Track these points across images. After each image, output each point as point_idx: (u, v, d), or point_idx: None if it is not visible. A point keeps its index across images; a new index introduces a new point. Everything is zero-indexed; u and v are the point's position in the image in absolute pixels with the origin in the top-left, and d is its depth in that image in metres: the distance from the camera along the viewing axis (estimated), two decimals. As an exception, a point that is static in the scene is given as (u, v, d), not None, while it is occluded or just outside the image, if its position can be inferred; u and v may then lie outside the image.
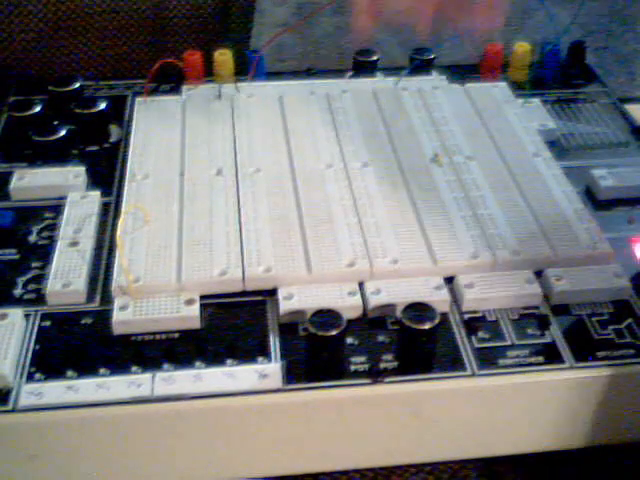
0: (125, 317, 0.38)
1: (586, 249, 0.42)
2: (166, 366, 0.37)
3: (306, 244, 0.42)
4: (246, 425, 0.36)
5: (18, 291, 0.41)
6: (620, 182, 0.48)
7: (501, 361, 0.37)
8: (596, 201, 0.47)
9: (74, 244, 0.43)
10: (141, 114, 0.52)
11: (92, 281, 0.41)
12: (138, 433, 0.36)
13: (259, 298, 0.40)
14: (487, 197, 0.45)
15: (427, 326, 0.36)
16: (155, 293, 0.39)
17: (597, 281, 0.41)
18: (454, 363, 0.37)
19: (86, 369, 0.37)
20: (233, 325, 0.39)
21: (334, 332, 0.36)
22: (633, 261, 0.43)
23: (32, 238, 0.44)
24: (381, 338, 0.38)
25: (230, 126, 0.51)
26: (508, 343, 0.38)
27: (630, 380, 0.38)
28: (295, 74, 0.59)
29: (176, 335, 0.38)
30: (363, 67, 0.58)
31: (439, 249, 0.42)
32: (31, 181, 0.47)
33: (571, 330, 0.39)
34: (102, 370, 0.37)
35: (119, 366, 0.37)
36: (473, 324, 0.39)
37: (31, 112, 0.51)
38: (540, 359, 0.38)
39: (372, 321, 0.39)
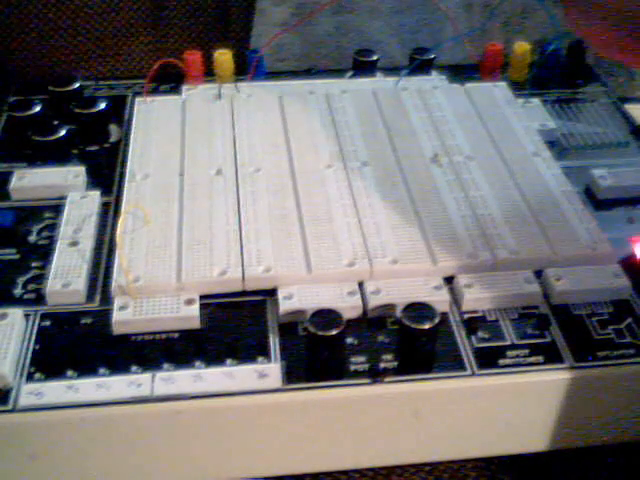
0: (125, 317, 0.38)
1: (586, 249, 0.42)
2: (166, 366, 0.37)
3: (306, 244, 0.42)
4: (246, 425, 0.36)
5: (18, 291, 0.41)
6: (620, 182, 0.48)
7: (501, 361, 0.37)
8: (596, 201, 0.47)
9: (74, 244, 0.43)
10: (141, 114, 0.52)
11: (92, 281, 0.41)
12: (138, 433, 0.36)
13: (259, 298, 0.40)
14: (487, 197, 0.45)
15: (427, 326, 0.36)
16: (155, 293, 0.39)
17: (597, 281, 0.41)
18: (454, 363, 0.37)
19: (86, 369, 0.37)
20: (233, 325, 0.39)
21: (334, 332, 0.36)
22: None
23: (32, 238, 0.44)
24: (381, 338, 0.38)
25: (230, 126, 0.51)
26: (508, 343, 0.38)
27: (630, 380, 0.38)
28: (295, 74, 0.59)
29: (176, 335, 0.38)
30: (363, 67, 0.58)
31: (439, 249, 0.42)
32: (31, 181, 0.47)
33: (571, 330, 0.39)
34: (102, 370, 0.37)
35: (119, 366, 0.37)
36: (473, 324, 0.39)
37: (31, 112, 0.51)
38: (540, 359, 0.38)
39: (372, 321, 0.39)
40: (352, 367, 0.37)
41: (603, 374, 0.37)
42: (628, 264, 0.42)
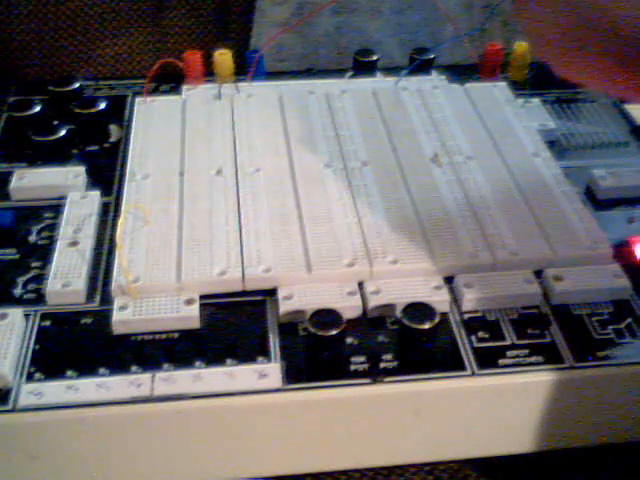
0: (125, 317, 0.38)
1: (586, 249, 0.42)
2: (166, 366, 0.37)
3: (306, 244, 0.42)
4: (246, 425, 0.36)
5: (18, 291, 0.41)
6: (620, 182, 0.48)
7: (501, 361, 0.37)
8: (596, 201, 0.47)
9: (74, 244, 0.43)
10: (141, 114, 0.52)
11: (92, 281, 0.41)
12: (138, 433, 0.36)
13: (259, 298, 0.40)
14: (487, 197, 0.45)
15: (427, 326, 0.36)
16: (155, 293, 0.39)
17: (597, 281, 0.41)
18: (454, 363, 0.37)
19: (86, 369, 0.37)
20: (233, 325, 0.39)
21: (334, 332, 0.36)
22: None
23: (32, 238, 0.44)
24: (381, 338, 0.38)
25: (230, 126, 0.51)
26: (508, 343, 0.38)
27: (630, 380, 0.38)
28: (295, 74, 0.59)
29: (176, 335, 0.38)
30: (363, 67, 0.58)
31: (439, 249, 0.42)
32: (31, 181, 0.47)
33: (571, 330, 0.39)
34: (102, 370, 0.37)
35: (119, 366, 0.37)
36: (473, 324, 0.39)
37: (31, 112, 0.51)
38: (540, 359, 0.38)
39: (372, 321, 0.39)
40: (352, 367, 0.37)
41: (603, 374, 0.37)
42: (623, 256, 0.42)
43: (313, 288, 0.40)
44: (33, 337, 0.38)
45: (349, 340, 0.38)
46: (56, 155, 0.49)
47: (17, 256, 0.43)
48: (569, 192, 0.46)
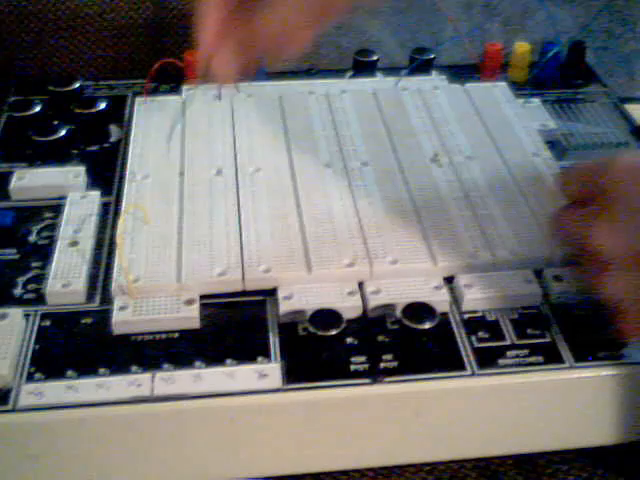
0: (125, 317, 0.38)
1: (586, 249, 0.42)
2: (166, 366, 0.37)
3: (306, 244, 0.42)
4: (246, 425, 0.36)
5: (18, 291, 0.41)
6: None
7: (501, 361, 0.37)
8: (596, 201, 0.47)
9: (74, 244, 0.43)
10: (141, 114, 0.52)
11: (92, 281, 0.41)
12: (138, 433, 0.36)
13: (259, 298, 0.40)
14: (487, 197, 0.45)
15: (427, 326, 0.36)
16: (155, 293, 0.39)
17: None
18: (454, 363, 0.37)
19: (86, 369, 0.37)
20: (233, 325, 0.39)
21: (334, 332, 0.36)
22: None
23: (32, 238, 0.44)
24: (381, 338, 0.38)
25: (230, 126, 0.51)
26: (508, 343, 0.38)
27: (630, 380, 0.38)
28: (295, 74, 0.59)
29: (176, 335, 0.38)
30: (363, 67, 0.58)
31: (439, 249, 0.42)
32: (31, 181, 0.47)
33: (571, 330, 0.39)
34: (102, 370, 0.37)
35: (119, 366, 0.37)
36: (473, 324, 0.39)
37: (31, 112, 0.52)
38: (540, 359, 0.38)
39: (372, 321, 0.39)
40: (352, 367, 0.37)
41: (603, 374, 0.37)
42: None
43: (313, 288, 0.40)
44: (33, 337, 0.38)
45: (349, 340, 0.38)
46: (56, 155, 0.49)
47: (17, 256, 0.43)
48: (569, 192, 0.46)
